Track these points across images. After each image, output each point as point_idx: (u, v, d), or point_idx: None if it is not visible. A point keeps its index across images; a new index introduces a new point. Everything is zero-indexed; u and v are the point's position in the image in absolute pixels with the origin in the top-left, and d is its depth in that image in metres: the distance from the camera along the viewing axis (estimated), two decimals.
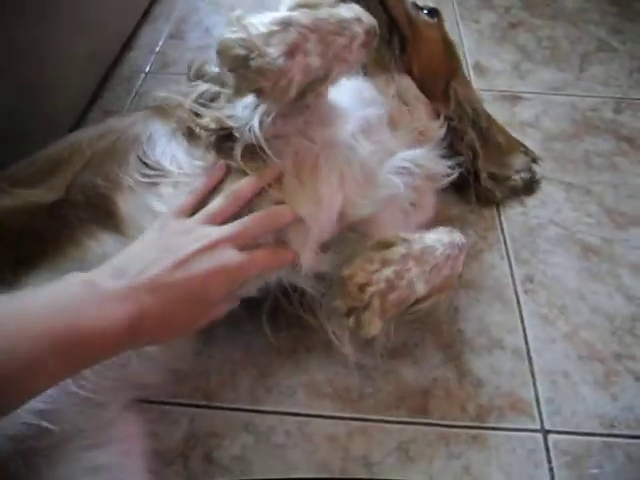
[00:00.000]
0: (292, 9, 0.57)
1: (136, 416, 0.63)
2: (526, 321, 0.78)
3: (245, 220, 0.59)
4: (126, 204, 0.61)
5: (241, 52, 0.51)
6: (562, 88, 1.16)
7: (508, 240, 0.88)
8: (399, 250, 0.64)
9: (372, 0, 0.74)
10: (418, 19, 0.80)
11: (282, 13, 0.56)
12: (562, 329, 0.77)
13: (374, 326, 0.62)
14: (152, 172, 0.63)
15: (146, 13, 1.38)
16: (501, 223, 0.90)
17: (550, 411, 0.70)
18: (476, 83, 1.16)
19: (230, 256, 0.56)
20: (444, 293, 0.68)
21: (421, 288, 0.64)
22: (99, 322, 0.46)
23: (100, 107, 1.13)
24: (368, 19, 0.59)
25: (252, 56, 0.51)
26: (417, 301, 0.65)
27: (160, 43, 1.30)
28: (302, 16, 0.55)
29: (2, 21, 0.81)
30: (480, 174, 0.86)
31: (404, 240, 0.66)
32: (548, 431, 0.68)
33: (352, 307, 0.62)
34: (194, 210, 0.60)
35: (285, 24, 0.54)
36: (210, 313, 0.58)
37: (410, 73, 0.78)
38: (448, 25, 0.88)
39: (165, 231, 0.57)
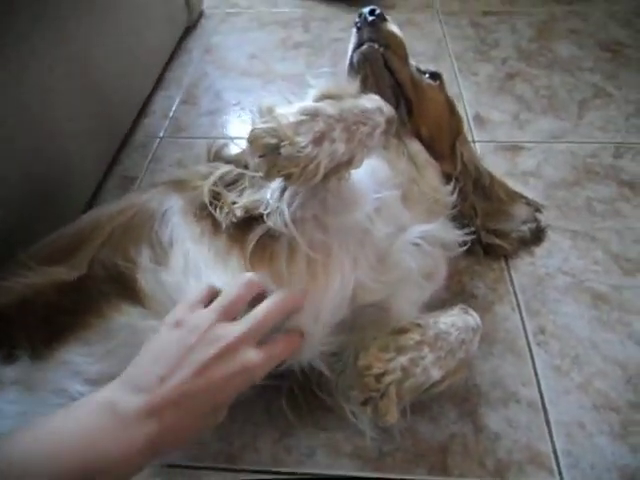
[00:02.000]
0: (318, 100, 0.62)
1: None
2: (540, 373, 0.79)
3: (259, 314, 0.59)
4: (146, 282, 0.63)
5: (272, 141, 0.55)
6: (561, 136, 1.20)
7: (518, 291, 0.90)
8: (414, 337, 0.67)
9: (378, 65, 0.80)
10: (422, 82, 0.85)
11: (309, 104, 0.60)
12: (575, 379, 0.78)
13: (391, 414, 0.64)
14: (163, 253, 0.65)
15: (159, 80, 1.45)
16: (510, 274, 0.92)
17: (569, 464, 0.70)
18: (477, 135, 1.21)
19: (250, 356, 0.56)
20: (459, 375, 0.71)
21: (436, 374, 0.67)
22: (116, 451, 0.47)
23: (118, 173, 1.19)
24: (388, 109, 0.64)
25: (282, 144, 0.54)
26: (432, 385, 0.68)
27: (173, 108, 1.37)
28: (328, 107, 0.59)
29: (19, 91, 0.86)
30: (480, 232, 0.89)
31: (418, 326, 0.68)
32: None
33: (369, 397, 0.64)
34: (208, 302, 0.60)
35: (313, 114, 0.58)
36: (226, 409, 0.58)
37: (418, 136, 0.82)
38: (447, 78, 0.93)
39: (180, 331, 0.56)
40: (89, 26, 1.08)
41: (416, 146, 0.81)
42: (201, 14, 1.75)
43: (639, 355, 0.81)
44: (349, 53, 0.83)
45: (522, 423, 0.74)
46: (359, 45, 0.81)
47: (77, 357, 0.60)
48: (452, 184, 0.80)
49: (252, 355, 0.56)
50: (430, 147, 0.82)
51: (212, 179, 0.68)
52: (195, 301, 0.59)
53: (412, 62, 0.85)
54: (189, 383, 0.52)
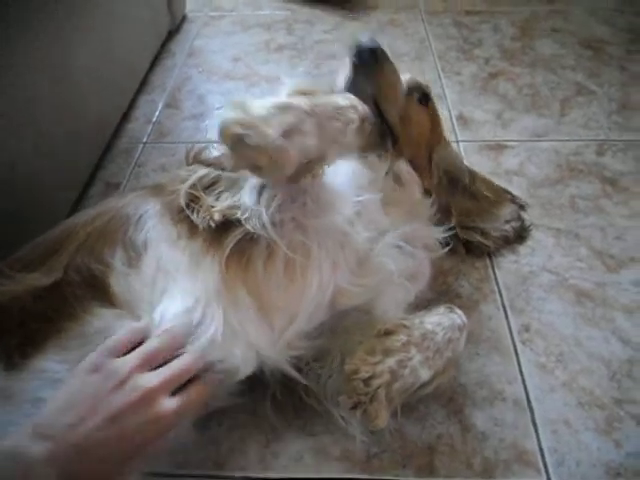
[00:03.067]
0: (291, 95, 0.61)
1: None
2: (525, 371, 0.80)
3: (176, 366, 0.59)
4: (118, 285, 0.63)
5: (240, 131, 0.55)
6: (544, 134, 1.21)
7: (502, 290, 0.90)
8: (400, 338, 0.66)
9: (368, 104, 0.75)
10: (410, 108, 0.83)
11: (282, 98, 0.60)
12: (560, 377, 0.79)
13: (382, 418, 0.63)
14: (136, 256, 0.65)
15: (142, 84, 1.45)
16: (494, 273, 0.93)
17: (555, 462, 0.71)
18: (461, 134, 1.21)
19: (165, 406, 0.56)
20: (447, 374, 0.71)
21: (425, 374, 0.66)
22: None
23: (102, 179, 1.18)
24: (363, 107, 0.64)
25: (250, 134, 0.54)
26: (421, 386, 0.67)
27: (157, 113, 1.36)
28: (301, 101, 0.59)
29: (4, 98, 0.86)
30: (458, 230, 0.88)
31: (404, 327, 0.68)
32: None
33: (358, 402, 0.63)
34: (128, 349, 0.59)
35: (284, 108, 0.58)
36: (143, 455, 0.56)
37: (400, 155, 0.81)
38: (430, 78, 0.93)
39: (97, 376, 0.55)
40: (70, 31, 1.07)
41: (400, 165, 0.80)
42: (184, 18, 1.75)
43: (623, 352, 0.81)
44: (340, 81, 0.80)
45: (508, 422, 0.75)
46: (352, 82, 0.78)
47: (54, 364, 0.59)
48: (433, 197, 0.81)
49: (166, 404, 0.56)
50: (410, 162, 0.82)
51: (189, 182, 0.68)
52: (115, 347, 0.58)
53: (403, 78, 0.84)
54: (99, 431, 0.51)
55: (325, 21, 1.69)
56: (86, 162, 1.16)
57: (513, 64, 1.44)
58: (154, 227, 0.66)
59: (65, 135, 1.05)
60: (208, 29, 1.71)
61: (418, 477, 0.70)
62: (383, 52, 0.78)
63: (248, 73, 1.47)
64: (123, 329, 0.60)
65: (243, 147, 0.55)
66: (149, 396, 0.55)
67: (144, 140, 1.28)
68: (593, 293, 0.88)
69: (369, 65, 0.77)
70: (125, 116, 1.34)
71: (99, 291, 0.63)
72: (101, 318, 0.62)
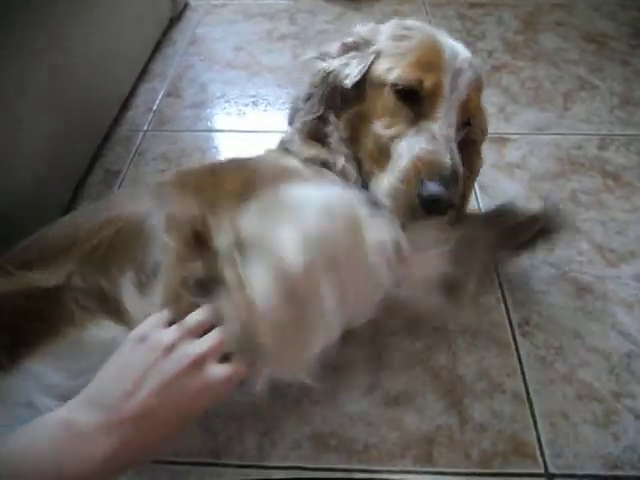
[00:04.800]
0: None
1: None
2: (524, 363, 0.80)
3: (221, 332, 0.58)
4: (132, 307, 0.62)
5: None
6: (546, 128, 1.20)
7: (503, 282, 0.90)
8: None
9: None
10: None
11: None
12: (560, 370, 0.79)
13: None
14: (147, 281, 0.63)
15: (143, 72, 1.44)
16: (495, 265, 0.92)
17: (553, 454, 0.71)
18: None
19: (215, 372, 0.55)
20: None
21: None
22: (77, 466, 0.48)
23: (102, 167, 1.17)
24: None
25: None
26: None
27: (157, 101, 1.35)
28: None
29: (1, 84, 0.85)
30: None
31: None
32: (553, 475, 0.69)
33: None
34: (172, 321, 0.59)
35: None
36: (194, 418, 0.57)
37: None
38: None
39: (145, 346, 0.55)
40: (71, 18, 1.06)
41: None
42: (186, 6, 1.73)
43: (622, 345, 0.81)
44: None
45: (507, 414, 0.75)
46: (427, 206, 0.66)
47: (48, 371, 0.58)
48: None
49: (216, 371, 0.56)
50: None
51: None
52: (162, 319, 0.59)
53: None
54: (153, 398, 0.52)
55: (328, 11, 1.67)
56: (86, 150, 1.15)
57: (516, 57, 1.43)
58: (163, 250, 0.64)
59: (65, 122, 1.04)
60: (210, 17, 1.69)
61: (416, 467, 0.70)
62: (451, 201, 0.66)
63: (250, 62, 1.46)
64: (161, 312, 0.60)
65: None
66: (199, 362, 0.55)
67: (144, 128, 1.27)
68: (593, 287, 0.88)
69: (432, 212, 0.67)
70: (125, 104, 1.33)
71: (108, 306, 0.62)
72: (107, 330, 0.61)
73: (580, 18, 1.59)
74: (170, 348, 0.55)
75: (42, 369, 0.58)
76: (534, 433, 0.73)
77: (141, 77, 1.42)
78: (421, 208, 0.65)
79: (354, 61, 0.76)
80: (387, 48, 0.75)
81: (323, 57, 0.80)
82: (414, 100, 0.71)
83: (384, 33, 0.77)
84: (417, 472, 0.70)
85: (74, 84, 1.07)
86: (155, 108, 1.33)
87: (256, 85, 1.38)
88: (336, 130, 0.78)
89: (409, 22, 0.78)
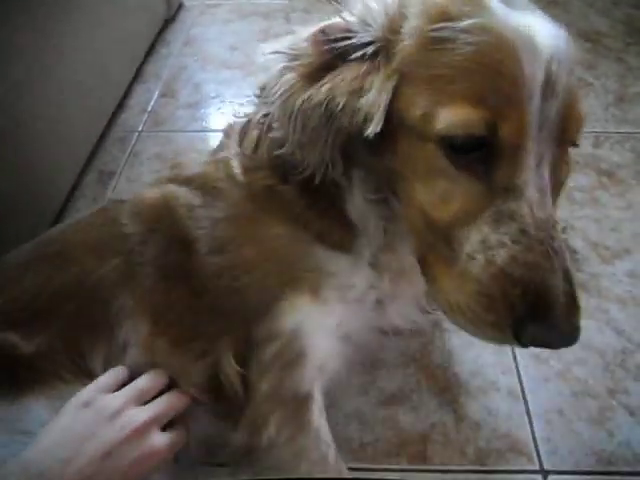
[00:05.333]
0: None
1: None
2: (519, 361, 0.80)
3: (165, 400, 0.59)
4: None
5: None
6: None
7: None
8: None
9: None
10: None
11: None
12: (555, 367, 0.79)
13: None
14: (116, 358, 0.63)
15: (137, 73, 1.43)
16: None
17: (548, 451, 0.71)
18: None
19: (158, 440, 0.55)
20: None
21: None
22: None
23: (96, 168, 1.17)
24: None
25: None
26: None
27: (152, 102, 1.35)
28: None
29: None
30: None
31: None
32: (548, 472, 0.69)
33: None
34: (119, 386, 0.59)
35: None
36: None
37: None
38: None
39: (89, 411, 0.54)
40: (65, 19, 1.06)
41: None
42: (180, 6, 1.73)
43: (617, 342, 0.81)
44: None
45: (502, 411, 0.75)
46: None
47: (42, 410, 0.58)
48: None
49: (160, 438, 0.56)
50: None
51: None
52: (106, 384, 0.58)
53: None
54: (93, 466, 0.50)
55: (323, 10, 1.67)
56: (81, 151, 1.15)
57: None
58: (132, 329, 0.63)
59: (59, 123, 1.04)
60: (205, 17, 1.69)
61: (411, 465, 0.70)
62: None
63: (245, 62, 1.45)
64: (112, 370, 0.60)
65: None
66: (141, 430, 0.54)
67: (139, 129, 1.27)
68: (588, 284, 0.89)
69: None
70: (120, 105, 1.33)
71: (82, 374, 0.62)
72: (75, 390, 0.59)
73: (575, 15, 1.59)
74: (114, 414, 0.54)
75: (38, 408, 0.58)
76: (529, 430, 0.73)
77: (135, 78, 1.42)
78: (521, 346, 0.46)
79: (355, 81, 0.48)
80: (415, 60, 0.47)
81: (294, 60, 0.52)
82: (480, 156, 0.46)
83: (409, 27, 0.48)
84: (412, 470, 0.70)
85: (68, 85, 1.07)
86: (150, 109, 1.33)
87: (251, 85, 1.37)
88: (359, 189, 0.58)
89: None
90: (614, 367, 0.79)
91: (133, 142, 1.23)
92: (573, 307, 0.44)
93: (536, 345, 0.45)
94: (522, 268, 0.44)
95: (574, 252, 0.92)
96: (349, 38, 0.49)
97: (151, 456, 0.54)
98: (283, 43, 0.54)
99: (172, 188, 0.67)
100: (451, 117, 0.44)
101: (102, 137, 1.23)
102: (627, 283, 0.88)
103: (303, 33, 0.53)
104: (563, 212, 0.99)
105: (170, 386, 0.62)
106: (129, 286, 0.64)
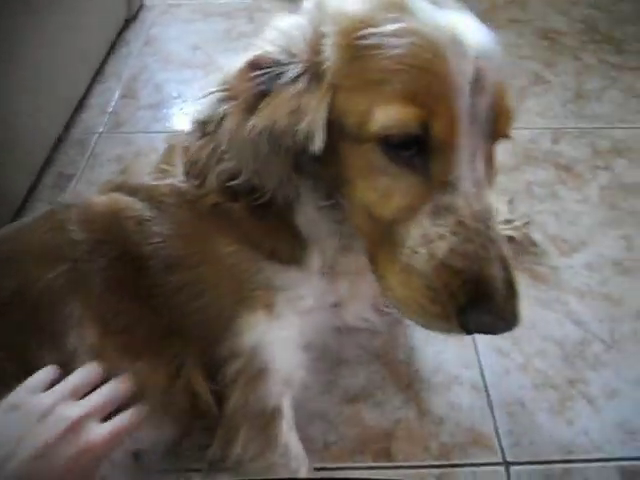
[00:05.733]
0: None
1: None
2: (481, 355, 0.80)
3: (102, 392, 0.57)
4: None
5: None
6: None
7: None
8: None
9: None
10: None
11: None
12: (516, 360, 0.80)
13: None
14: (65, 364, 0.61)
15: (97, 73, 1.40)
16: None
17: (510, 443, 0.72)
18: None
19: (94, 434, 0.53)
20: None
21: None
22: None
23: (54, 171, 1.14)
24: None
25: None
26: None
27: (112, 103, 1.32)
28: None
29: None
30: None
31: None
32: (510, 463, 0.70)
33: None
34: (50, 385, 0.57)
35: None
36: None
37: None
38: None
39: (18, 413, 0.53)
40: (22, 19, 1.03)
41: None
42: (141, 6, 1.70)
43: (576, 333, 0.83)
44: None
45: (465, 406, 0.75)
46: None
47: None
48: None
49: (96, 430, 0.54)
50: None
51: None
52: (35, 385, 0.56)
53: None
54: (29, 467, 0.49)
55: (287, 9, 1.66)
56: (38, 153, 1.12)
57: None
58: (80, 337, 0.62)
59: (14, 124, 1.01)
60: (166, 17, 1.67)
61: (376, 462, 0.70)
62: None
63: (207, 62, 1.44)
64: (42, 370, 0.58)
65: None
66: (76, 425, 0.53)
67: (99, 130, 1.24)
68: (547, 277, 0.90)
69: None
70: (79, 106, 1.30)
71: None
72: None
73: (534, 14, 1.62)
74: (45, 413, 0.53)
75: None
76: (492, 423, 0.74)
77: (95, 79, 1.39)
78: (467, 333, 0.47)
79: (295, 100, 0.50)
80: (343, 72, 0.49)
81: (229, 98, 0.54)
82: (417, 152, 0.47)
83: (330, 44, 0.49)
84: (377, 467, 0.70)
85: (24, 86, 1.04)
86: (110, 110, 1.30)
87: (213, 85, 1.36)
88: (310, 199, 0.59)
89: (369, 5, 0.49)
90: (573, 358, 0.80)
91: (93, 144, 1.20)
92: (511, 293, 0.46)
93: (480, 332, 0.47)
94: (461, 259, 0.45)
95: (534, 245, 0.94)
96: (278, 71, 0.51)
97: (88, 450, 0.52)
98: (214, 81, 0.56)
99: (119, 197, 0.66)
100: (385, 117, 0.46)
101: (60, 139, 1.20)
102: (585, 275, 0.90)
103: (231, 69, 0.55)
104: (523, 207, 1.01)
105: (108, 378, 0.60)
106: (78, 293, 0.63)
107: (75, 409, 0.54)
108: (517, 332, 0.80)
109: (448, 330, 0.48)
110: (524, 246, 0.93)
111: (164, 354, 0.64)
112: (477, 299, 0.45)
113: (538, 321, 0.84)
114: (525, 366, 0.79)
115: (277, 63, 0.51)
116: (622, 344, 0.81)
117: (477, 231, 0.45)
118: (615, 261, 0.92)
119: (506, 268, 0.46)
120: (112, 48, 1.51)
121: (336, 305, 0.69)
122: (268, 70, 0.51)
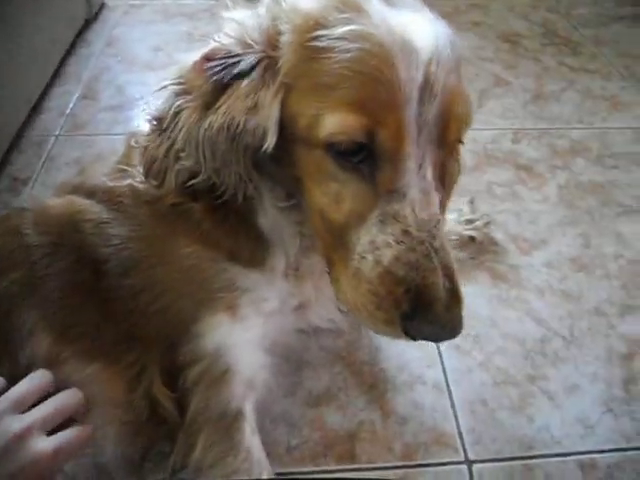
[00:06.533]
0: None
1: None
2: (443, 354, 0.81)
3: (49, 404, 0.55)
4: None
5: None
6: None
7: None
8: None
9: None
10: None
11: None
12: (477, 358, 0.80)
13: None
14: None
15: (55, 75, 1.37)
16: None
17: (472, 441, 0.72)
18: None
19: (40, 448, 0.51)
20: None
21: None
22: None
23: (9, 174, 1.10)
24: None
25: None
26: None
27: (71, 104, 1.29)
28: None
29: None
30: None
31: None
32: (472, 461, 0.70)
33: None
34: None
35: None
36: None
37: None
38: None
39: None
40: None
41: None
42: (102, 6, 1.67)
43: (536, 330, 0.84)
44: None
45: (428, 405, 0.76)
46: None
47: None
48: None
49: (42, 445, 0.51)
50: None
51: None
52: None
53: None
54: None
55: (250, 9, 1.65)
56: None
57: None
58: (36, 346, 0.60)
59: None
60: (128, 18, 1.64)
61: (339, 465, 0.70)
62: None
63: (169, 63, 1.41)
64: None
65: None
66: (19, 439, 0.50)
67: (56, 132, 1.21)
68: (508, 275, 0.91)
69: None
70: (36, 107, 1.26)
71: None
72: None
73: (495, 18, 1.65)
74: None
75: None
76: (454, 422, 0.74)
77: (54, 80, 1.35)
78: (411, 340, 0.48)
79: (249, 98, 0.49)
80: (297, 72, 0.48)
81: (185, 92, 0.53)
82: (365, 159, 0.47)
83: (285, 41, 0.48)
84: (340, 470, 0.69)
85: None
86: (68, 111, 1.27)
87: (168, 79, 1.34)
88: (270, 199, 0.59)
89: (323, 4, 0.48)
90: (534, 355, 0.81)
91: (50, 146, 1.17)
92: (453, 302, 0.46)
93: (422, 339, 0.48)
94: (405, 267, 0.45)
95: (495, 244, 0.95)
96: (232, 61, 0.50)
97: (34, 463, 0.50)
98: (170, 75, 0.55)
99: (76, 199, 0.65)
100: (332, 124, 0.45)
101: (15, 142, 1.16)
102: (545, 273, 0.91)
103: (187, 62, 0.54)
104: (485, 207, 1.02)
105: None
106: (33, 300, 0.61)
107: (17, 423, 0.51)
108: (478, 331, 0.83)
109: (394, 335, 0.48)
110: (485, 246, 0.94)
111: (124, 360, 0.63)
112: (418, 308, 0.45)
113: (499, 319, 0.85)
114: (486, 364, 0.80)
115: (232, 54, 0.50)
116: (581, 340, 0.83)
117: (421, 240, 0.46)
118: (573, 259, 0.94)
119: (449, 277, 0.46)
120: (72, 49, 1.47)
121: (300, 307, 0.68)
122: (222, 61, 0.50)
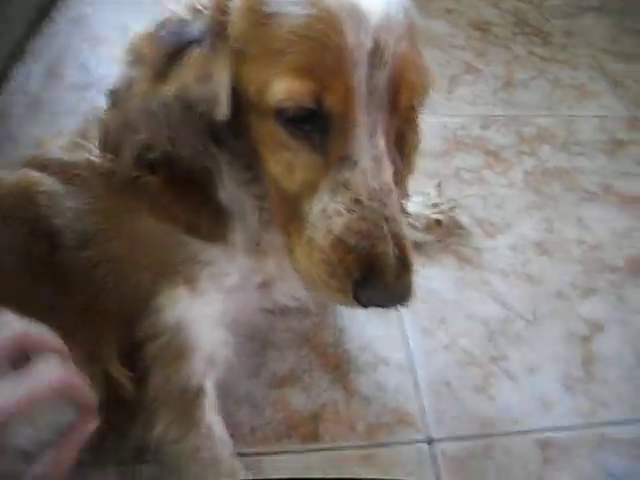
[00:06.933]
0: None
1: None
2: (408, 335, 0.81)
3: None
4: None
5: None
6: (433, 109, 1.23)
7: None
8: None
9: None
10: None
11: None
12: (442, 340, 0.81)
13: None
14: None
15: (17, 53, 1.32)
16: None
17: (434, 420, 0.73)
18: None
19: None
20: None
21: None
22: None
23: None
24: None
25: None
26: None
27: (33, 83, 1.25)
28: None
29: None
30: None
31: None
32: (434, 440, 0.71)
33: None
34: None
35: None
36: None
37: None
38: None
39: None
40: None
41: None
42: None
43: (499, 312, 0.85)
44: None
45: (391, 386, 0.76)
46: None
47: None
48: None
49: None
50: None
51: None
52: None
53: None
54: None
55: None
56: None
57: None
58: None
59: None
60: None
61: (303, 445, 0.70)
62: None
63: None
64: None
65: None
66: None
67: (18, 111, 1.17)
68: (473, 258, 0.92)
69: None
70: None
71: None
72: None
73: (466, 6, 1.65)
74: None
75: None
76: (417, 402, 0.75)
77: (15, 58, 1.31)
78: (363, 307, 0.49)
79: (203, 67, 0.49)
80: (247, 38, 0.48)
81: (138, 62, 0.53)
82: (315, 125, 0.47)
83: (234, 5, 0.48)
84: (304, 451, 0.69)
85: None
86: (31, 90, 1.23)
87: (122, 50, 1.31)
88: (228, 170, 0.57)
89: None
90: (497, 336, 0.82)
91: (10, 126, 1.13)
92: (403, 270, 0.47)
93: (372, 306, 0.48)
94: (356, 236, 0.46)
95: (460, 228, 0.95)
96: (182, 28, 0.50)
97: None
98: (123, 47, 0.54)
99: (29, 172, 0.63)
100: (280, 90, 0.45)
101: None
102: (509, 256, 0.93)
103: (140, 33, 0.53)
104: (452, 191, 1.03)
105: None
106: None
107: None
108: (443, 312, 0.84)
109: (346, 303, 0.49)
110: (450, 229, 0.94)
111: (79, 336, 0.59)
112: (368, 275, 0.46)
113: (463, 301, 0.86)
114: (451, 346, 0.81)
115: (182, 21, 0.50)
116: (542, 321, 0.84)
117: (372, 209, 0.46)
118: (537, 243, 0.95)
119: (399, 246, 0.47)
120: (35, 27, 1.42)
121: (264, 284, 0.68)
122: (172, 29, 0.50)
